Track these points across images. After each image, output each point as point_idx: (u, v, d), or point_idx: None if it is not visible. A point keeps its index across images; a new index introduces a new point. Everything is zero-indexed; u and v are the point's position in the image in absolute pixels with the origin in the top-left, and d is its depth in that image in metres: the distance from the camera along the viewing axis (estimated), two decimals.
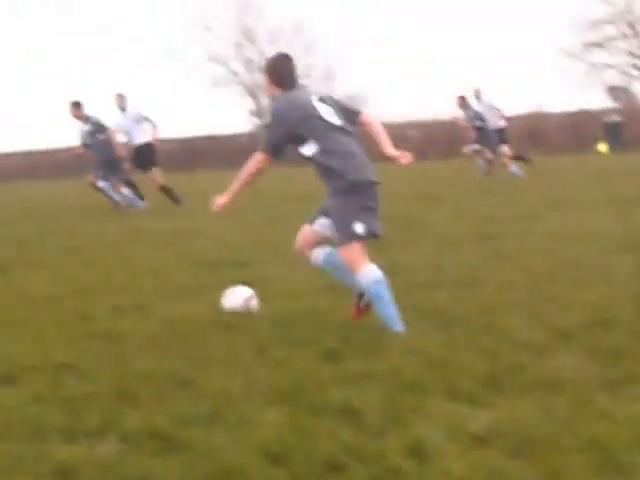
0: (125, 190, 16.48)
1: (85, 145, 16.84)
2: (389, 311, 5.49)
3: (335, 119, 5.69)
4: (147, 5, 77.99)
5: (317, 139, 5.61)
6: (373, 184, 5.64)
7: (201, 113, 66.45)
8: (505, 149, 19.91)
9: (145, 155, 16.46)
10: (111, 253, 10.27)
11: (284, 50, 6.56)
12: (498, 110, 20.76)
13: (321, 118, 5.64)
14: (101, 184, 16.60)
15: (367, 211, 5.57)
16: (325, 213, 5.75)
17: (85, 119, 16.58)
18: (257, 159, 5.74)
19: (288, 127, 5.64)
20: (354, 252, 5.53)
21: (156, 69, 73.07)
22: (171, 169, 28.65)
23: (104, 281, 8.19)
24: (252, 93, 51.70)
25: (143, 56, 78.46)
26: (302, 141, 5.66)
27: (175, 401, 4.40)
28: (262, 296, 6.59)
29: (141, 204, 16.46)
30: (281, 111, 5.72)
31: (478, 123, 19.88)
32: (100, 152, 16.48)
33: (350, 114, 5.83)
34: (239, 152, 42.60)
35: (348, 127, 5.72)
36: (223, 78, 51.95)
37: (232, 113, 70.93)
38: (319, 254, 5.80)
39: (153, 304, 6.87)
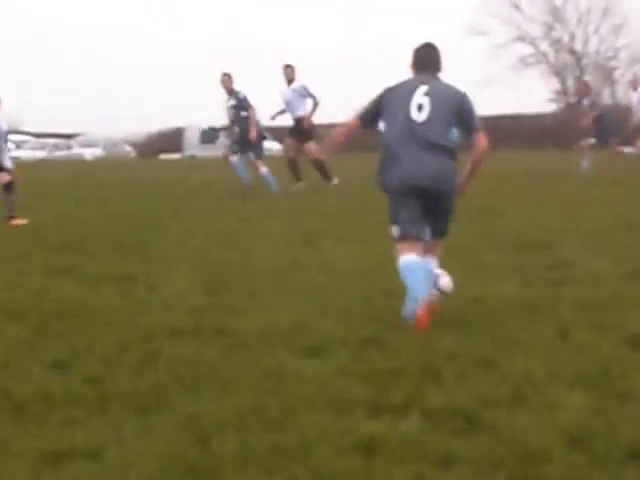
0: (264, 169, 16.14)
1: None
2: (409, 296, 5.46)
3: (419, 114, 5.63)
4: None
5: (389, 123, 5.73)
6: (421, 190, 5.61)
7: (506, 92, 65.78)
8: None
9: (300, 128, 16.49)
10: None
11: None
12: None
13: (406, 108, 5.65)
14: (234, 159, 16.53)
15: (407, 213, 5.64)
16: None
17: (231, 92, 16.46)
18: (348, 123, 6.10)
19: (377, 105, 5.85)
20: (397, 250, 5.69)
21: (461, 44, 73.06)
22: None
23: None
24: (558, 74, 51.06)
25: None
26: (380, 119, 5.82)
27: (478, 381, 4.36)
28: (566, 279, 6.47)
29: (275, 187, 15.84)
30: (383, 91, 5.88)
31: None
32: (241, 128, 16.32)
33: (465, 123, 5.77)
34: (543, 132, 42.07)
35: (431, 124, 5.62)
36: (530, 58, 51.79)
37: (537, 93, 69.52)
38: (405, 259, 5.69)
39: (458, 283, 6.81)
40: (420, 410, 3.93)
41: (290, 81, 16.79)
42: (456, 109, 5.74)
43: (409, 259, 5.59)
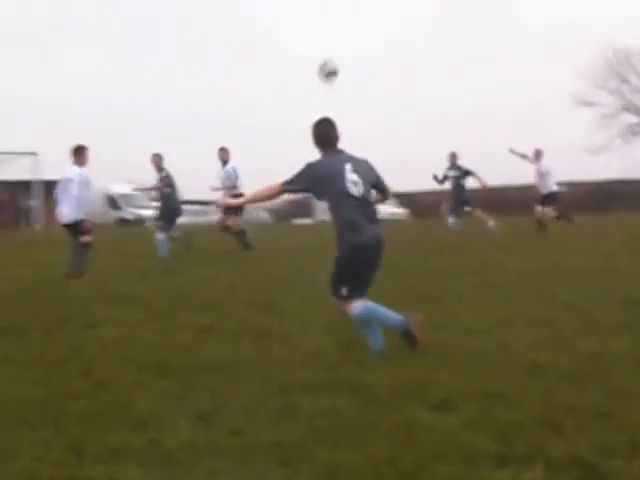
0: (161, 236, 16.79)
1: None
2: (374, 332, 6.53)
3: (355, 189, 6.42)
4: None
5: (334, 201, 6.45)
6: (369, 258, 6.43)
7: (615, 157, 66.35)
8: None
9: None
10: (531, 288, 10.44)
11: None
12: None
13: (344, 185, 6.40)
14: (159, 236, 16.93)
15: (356, 278, 6.46)
16: None
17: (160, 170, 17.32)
18: (274, 186, 6.66)
19: (308, 183, 6.50)
20: (344, 307, 6.53)
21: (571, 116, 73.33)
22: (586, 210, 29.10)
23: (525, 314, 8.39)
24: None
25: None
26: (321, 197, 6.55)
27: (596, 432, 4.53)
28: None
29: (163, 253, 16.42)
30: (314, 168, 6.52)
31: None
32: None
33: (380, 183, 6.70)
34: None
35: (366, 196, 6.49)
36: (638, 127, 52.45)
37: None
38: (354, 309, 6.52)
39: (573, 338, 7.01)
40: (543, 460, 4.12)
41: (224, 162, 17.83)
42: (374, 179, 6.65)
43: (361, 303, 6.42)
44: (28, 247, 16.40)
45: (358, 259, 6.45)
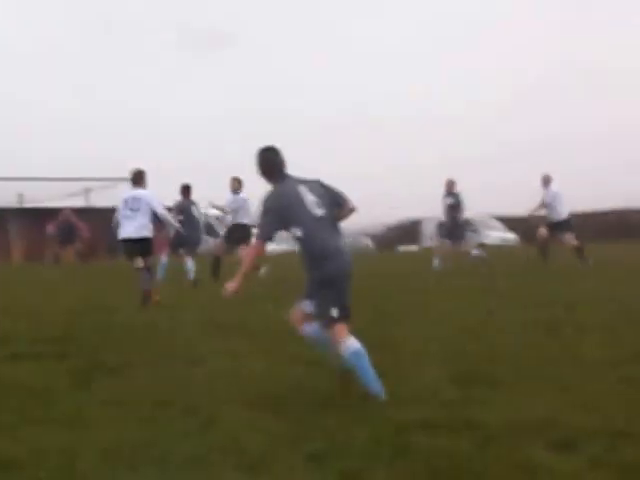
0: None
1: None
2: (368, 378, 6.26)
3: (318, 210, 6.44)
4: None
5: (302, 226, 6.38)
6: (346, 275, 6.47)
7: None
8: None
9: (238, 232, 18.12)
10: None
11: None
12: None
13: (306, 208, 6.40)
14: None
15: (340, 297, 6.42)
16: (309, 296, 6.56)
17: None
18: (256, 248, 6.70)
19: (278, 217, 6.45)
20: (336, 330, 6.38)
21: None
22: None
23: None
24: None
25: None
26: (290, 227, 6.45)
27: None
28: None
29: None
30: (272, 203, 6.50)
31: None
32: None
33: (337, 198, 6.63)
34: None
35: (329, 215, 6.50)
36: None
37: None
38: (307, 329, 6.72)
39: None
40: None
41: (235, 191, 18.42)
42: (330, 196, 6.60)
43: (357, 346, 6.37)
44: (126, 278, 16.54)
45: (337, 277, 6.46)
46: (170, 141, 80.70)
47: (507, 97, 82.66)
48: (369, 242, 49.40)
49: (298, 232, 6.44)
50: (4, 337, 9.59)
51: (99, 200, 43.52)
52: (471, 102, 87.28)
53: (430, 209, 31.34)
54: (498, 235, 46.90)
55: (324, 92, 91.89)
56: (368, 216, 56.94)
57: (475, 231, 47.14)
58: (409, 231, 53.15)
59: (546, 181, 19.92)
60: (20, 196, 43.43)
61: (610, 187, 52.37)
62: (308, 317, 6.68)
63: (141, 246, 13.23)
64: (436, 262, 20.50)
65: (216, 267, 18.12)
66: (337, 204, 6.67)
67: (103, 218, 41.93)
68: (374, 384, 6.24)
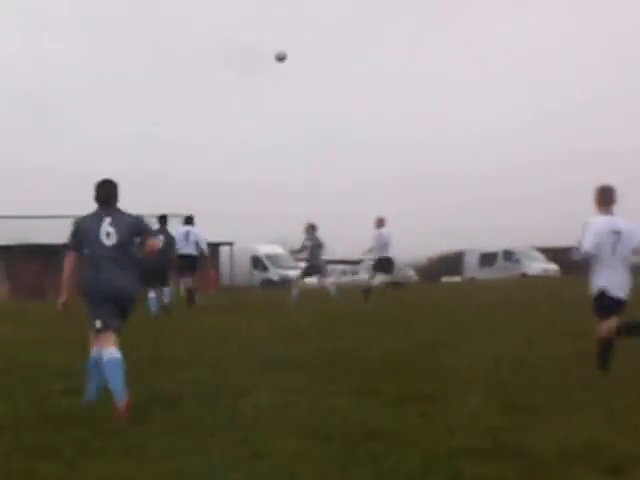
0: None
1: None
2: (117, 387, 7.31)
3: (110, 240, 7.74)
4: None
5: (88, 248, 7.76)
6: (109, 295, 7.63)
7: None
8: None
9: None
10: None
11: None
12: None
13: (97, 236, 7.74)
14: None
15: (102, 311, 7.62)
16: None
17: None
18: (69, 260, 7.94)
19: (77, 236, 7.87)
20: (98, 339, 7.65)
21: None
22: None
23: None
24: None
25: None
26: (82, 247, 7.81)
27: None
28: None
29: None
30: (76, 224, 7.93)
31: None
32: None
33: (139, 230, 7.96)
34: None
35: (122, 245, 7.78)
36: None
37: None
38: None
39: None
40: None
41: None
42: (134, 230, 7.87)
43: (114, 356, 7.48)
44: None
45: (99, 292, 7.64)
46: None
47: None
48: (413, 274, 49.38)
49: (86, 251, 7.80)
50: (61, 370, 9.79)
51: None
52: None
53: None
54: (539, 266, 46.65)
55: None
56: (412, 247, 57.09)
57: (516, 262, 47.04)
58: (453, 262, 53.17)
59: (380, 223, 21.24)
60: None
61: None
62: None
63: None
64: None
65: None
66: (142, 234, 8.00)
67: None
68: (119, 394, 7.26)
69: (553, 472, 5.05)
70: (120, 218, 7.88)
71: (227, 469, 5.50)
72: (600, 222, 8.74)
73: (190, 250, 19.81)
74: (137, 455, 5.94)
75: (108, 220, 7.82)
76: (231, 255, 46.84)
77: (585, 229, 8.74)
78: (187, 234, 19.91)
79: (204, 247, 20.27)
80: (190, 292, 20.15)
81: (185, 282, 20.58)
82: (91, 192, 7.92)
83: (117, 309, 7.72)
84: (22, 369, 10.17)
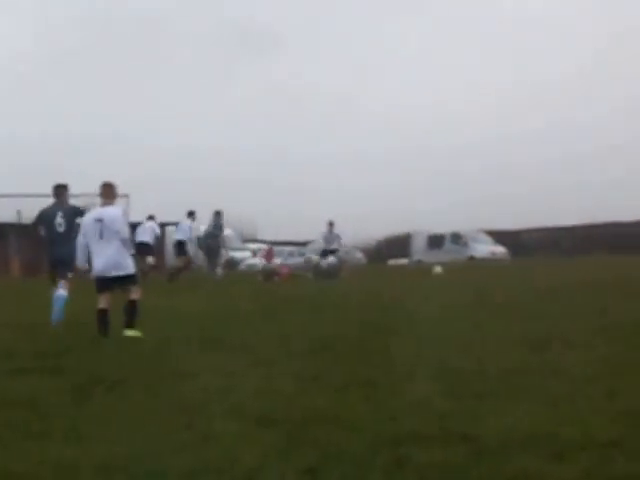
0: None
1: None
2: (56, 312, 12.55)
3: (60, 227, 13.04)
4: None
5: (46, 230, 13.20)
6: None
7: None
8: None
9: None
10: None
11: None
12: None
13: (52, 222, 13.03)
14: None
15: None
16: None
17: None
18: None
19: (39, 219, 13.45)
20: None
21: None
22: None
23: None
24: None
25: None
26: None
27: None
28: None
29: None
30: (40, 210, 13.55)
31: None
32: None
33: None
34: None
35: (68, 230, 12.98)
36: None
37: None
38: None
39: None
40: None
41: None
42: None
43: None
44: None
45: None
46: None
47: None
48: (361, 256, 49.53)
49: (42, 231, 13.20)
50: (5, 352, 9.64)
51: None
52: None
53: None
54: (487, 248, 47.03)
55: None
56: (360, 230, 57.18)
57: (464, 245, 47.36)
58: (400, 245, 53.37)
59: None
60: (19, 212, 43.32)
61: None
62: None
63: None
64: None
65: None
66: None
67: None
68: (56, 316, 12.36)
69: (499, 457, 5.03)
70: (69, 211, 13.22)
71: (171, 453, 5.40)
72: None
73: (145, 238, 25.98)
74: (78, 438, 5.82)
75: (60, 212, 13.13)
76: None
77: None
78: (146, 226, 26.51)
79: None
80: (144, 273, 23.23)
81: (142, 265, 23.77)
82: None
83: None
84: None
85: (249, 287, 20.22)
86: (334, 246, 27.45)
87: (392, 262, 50.25)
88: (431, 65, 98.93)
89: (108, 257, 11.26)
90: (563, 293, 15.93)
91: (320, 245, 28.76)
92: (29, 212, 42.23)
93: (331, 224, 28.16)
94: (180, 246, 26.34)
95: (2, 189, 39.26)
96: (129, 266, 11.54)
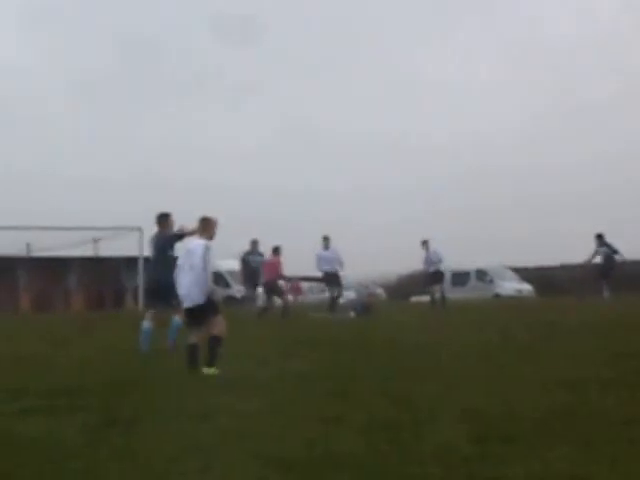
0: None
1: None
2: None
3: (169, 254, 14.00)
4: None
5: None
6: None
7: None
8: None
9: None
10: None
11: None
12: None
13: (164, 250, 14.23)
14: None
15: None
16: None
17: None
18: None
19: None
20: None
21: None
22: None
23: None
24: None
25: None
26: None
27: None
28: None
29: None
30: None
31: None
32: None
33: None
34: None
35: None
36: None
37: None
38: None
39: None
40: None
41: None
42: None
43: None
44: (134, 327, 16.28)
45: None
46: None
47: None
48: (381, 291, 49.17)
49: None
50: (16, 390, 9.51)
51: (107, 250, 43.52)
52: None
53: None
54: (513, 286, 46.54)
55: None
56: (381, 264, 56.90)
57: (490, 282, 46.94)
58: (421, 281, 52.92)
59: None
60: (28, 245, 43.41)
61: None
62: None
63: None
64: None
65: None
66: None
67: (111, 267, 41.98)
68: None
69: None
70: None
71: None
72: None
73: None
74: None
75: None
76: None
77: None
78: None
79: None
80: None
81: None
82: None
83: None
84: None
85: (270, 324, 19.94)
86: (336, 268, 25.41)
87: (415, 299, 49.88)
88: None
89: (183, 287, 11.48)
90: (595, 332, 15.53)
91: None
92: (39, 245, 42.31)
93: (326, 239, 25.42)
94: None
95: (11, 221, 39.22)
96: (200, 298, 11.38)
